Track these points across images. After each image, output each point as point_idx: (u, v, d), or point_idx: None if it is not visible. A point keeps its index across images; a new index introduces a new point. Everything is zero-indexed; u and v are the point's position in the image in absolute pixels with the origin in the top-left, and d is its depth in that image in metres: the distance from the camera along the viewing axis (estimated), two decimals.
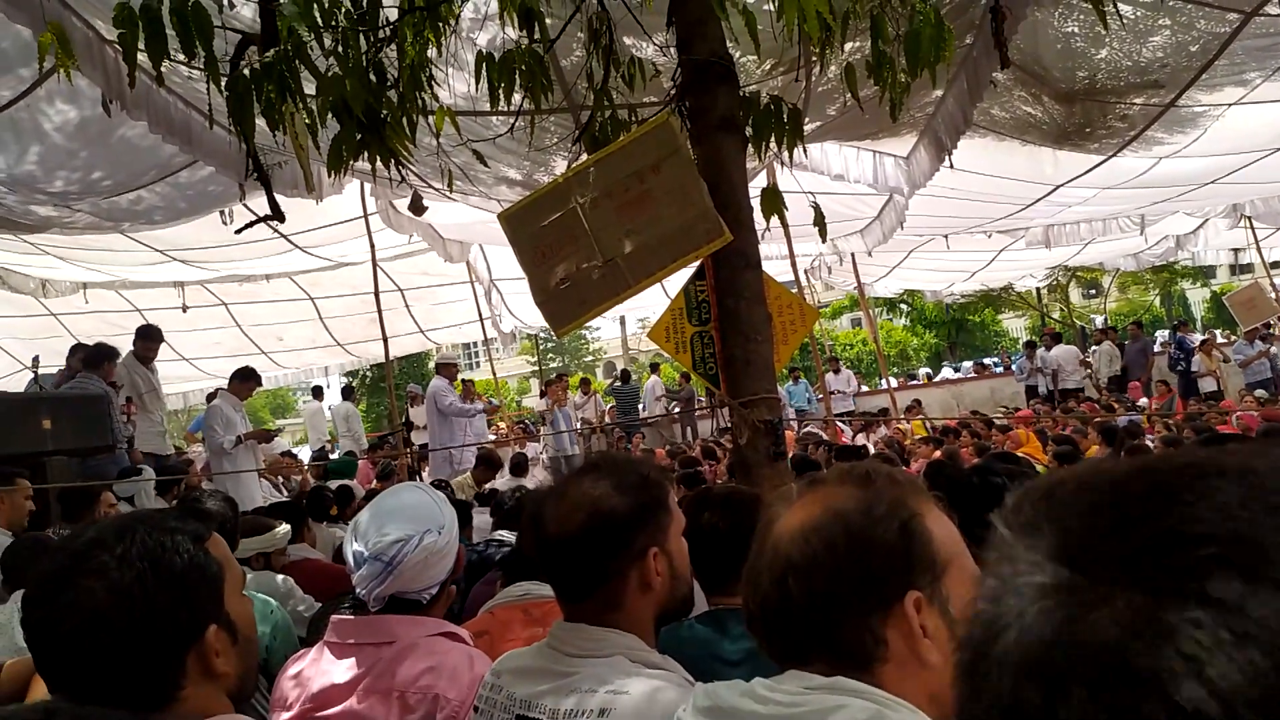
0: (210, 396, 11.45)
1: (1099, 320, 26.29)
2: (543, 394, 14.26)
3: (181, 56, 2.40)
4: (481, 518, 5.62)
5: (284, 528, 3.83)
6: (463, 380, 11.13)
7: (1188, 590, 0.39)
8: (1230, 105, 5.66)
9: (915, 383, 21.76)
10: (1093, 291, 35.54)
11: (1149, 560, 0.40)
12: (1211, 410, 10.16)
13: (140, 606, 1.10)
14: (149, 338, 7.50)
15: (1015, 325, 36.89)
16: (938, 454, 8.47)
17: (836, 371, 15.30)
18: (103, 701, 1.07)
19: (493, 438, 12.10)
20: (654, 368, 16.24)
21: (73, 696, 1.08)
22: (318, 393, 14.53)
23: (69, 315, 10.55)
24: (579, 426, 12.86)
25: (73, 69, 2.68)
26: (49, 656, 1.10)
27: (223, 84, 2.57)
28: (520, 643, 2.12)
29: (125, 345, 7.50)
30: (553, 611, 2.53)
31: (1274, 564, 0.39)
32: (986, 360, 26.93)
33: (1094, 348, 15.91)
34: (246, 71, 2.60)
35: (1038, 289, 24.85)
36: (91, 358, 6.75)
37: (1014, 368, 16.16)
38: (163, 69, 2.46)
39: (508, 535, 4.02)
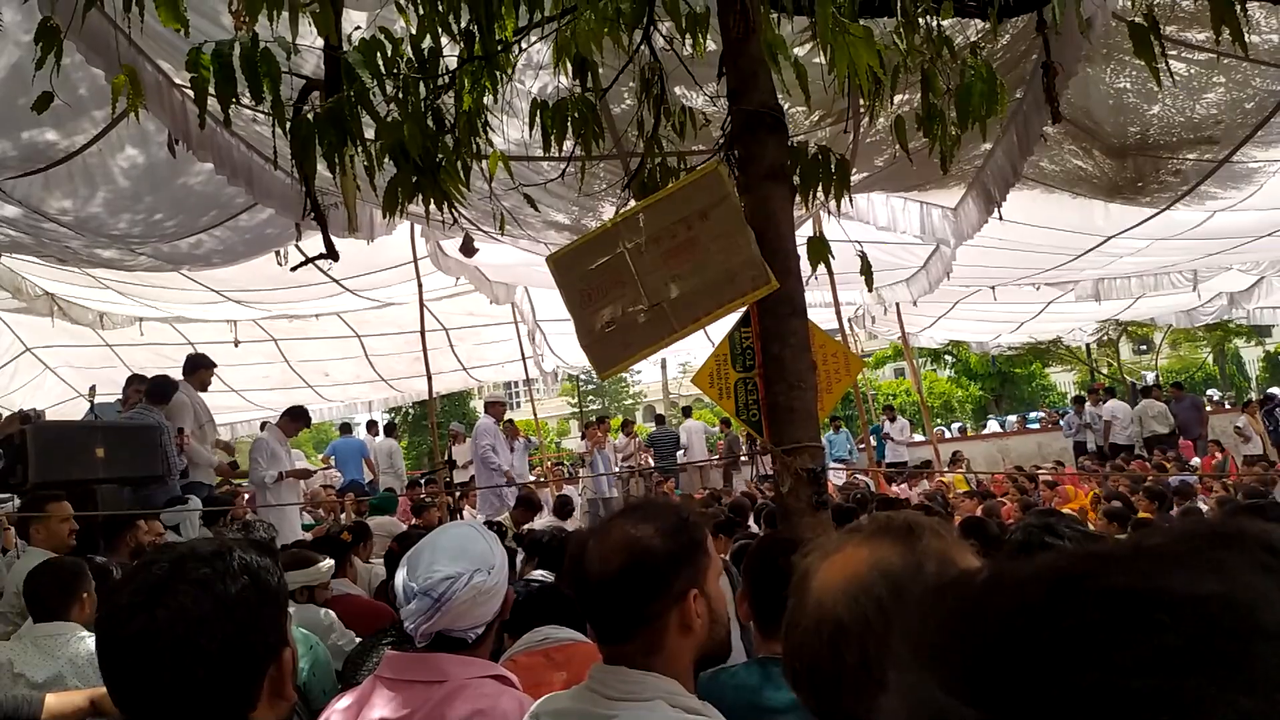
0: (263, 426, 11.77)
1: (1150, 376, 25.78)
2: (583, 436, 14.29)
3: (248, 100, 2.49)
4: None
5: (328, 562, 3.86)
6: (509, 421, 11.24)
7: None
8: None
9: (950, 436, 21.49)
10: (1144, 347, 34.88)
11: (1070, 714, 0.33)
12: (1271, 473, 9.89)
13: (244, 618, 1.11)
14: (208, 365, 7.60)
15: (1063, 379, 36.24)
16: (981, 509, 8.34)
17: (892, 420, 15.22)
18: None
19: (533, 478, 12.14)
20: (686, 412, 16.18)
21: (143, 716, 1.07)
22: (371, 427, 14.63)
23: (124, 347, 10.84)
24: (619, 469, 12.84)
25: (141, 109, 2.80)
26: (135, 672, 1.08)
27: (286, 127, 2.67)
28: (549, 688, 2.12)
29: (177, 376, 7.66)
30: (575, 654, 2.53)
31: None
32: (1032, 415, 26.48)
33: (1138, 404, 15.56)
34: (310, 116, 2.69)
35: (1087, 344, 24.46)
36: (158, 391, 6.86)
37: (1062, 423, 15.86)
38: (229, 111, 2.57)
39: (544, 575, 4.00)
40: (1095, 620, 0.35)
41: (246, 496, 8.20)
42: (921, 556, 1.06)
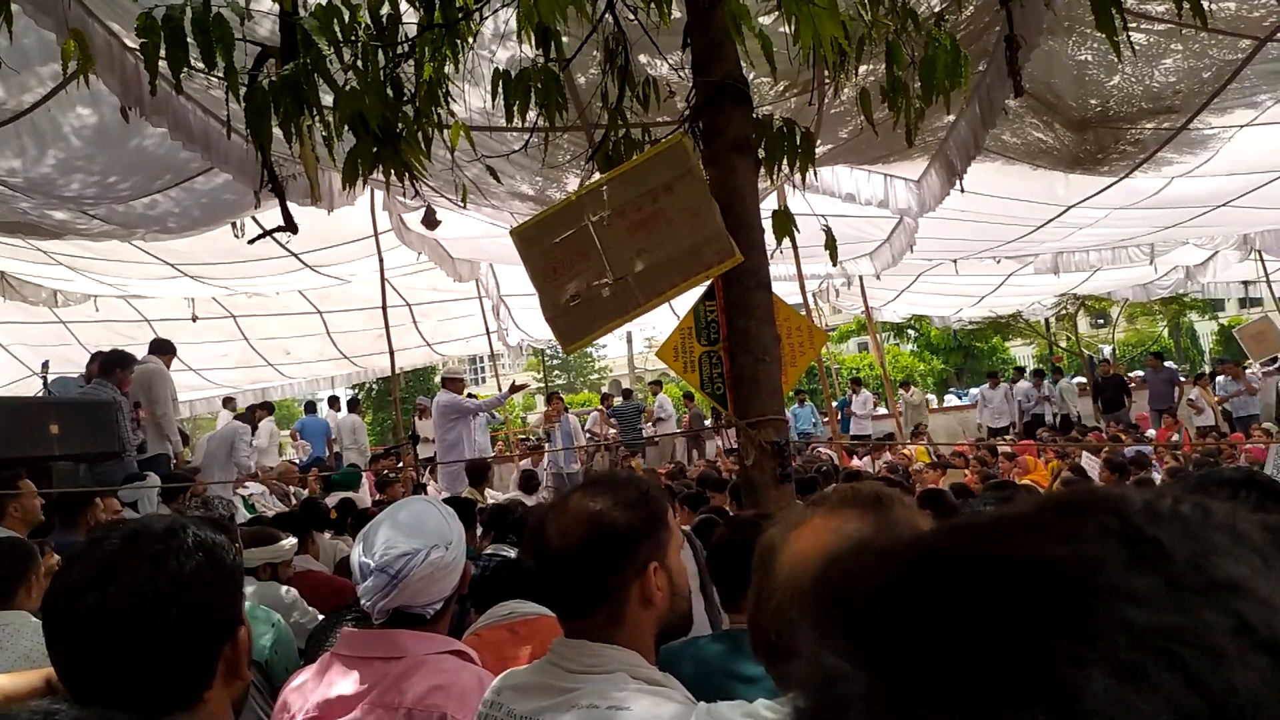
0: (226, 401, 11.81)
1: (1106, 350, 26.18)
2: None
3: (201, 66, 2.42)
4: None
5: (290, 540, 3.82)
6: (468, 394, 11.15)
7: None
8: (1241, 127, 5.68)
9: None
10: (1100, 321, 35.40)
11: (950, 679, 0.35)
12: (1221, 443, 10.13)
13: (199, 596, 1.09)
14: (172, 351, 7.78)
15: (1023, 353, 36.72)
16: (943, 479, 8.46)
17: (857, 393, 15.40)
18: (126, 700, 1.03)
19: (494, 453, 12.10)
20: (657, 385, 16.21)
21: (93, 696, 1.04)
22: (334, 403, 14.62)
23: (78, 324, 10.61)
24: (588, 441, 12.84)
25: (92, 73, 2.71)
26: (87, 650, 1.05)
27: (241, 95, 2.60)
28: (514, 662, 2.11)
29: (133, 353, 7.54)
30: (539, 628, 2.53)
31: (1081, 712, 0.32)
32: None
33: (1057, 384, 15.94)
34: (265, 84, 2.62)
35: (1046, 318, 24.78)
36: (106, 364, 6.73)
37: (1019, 396, 16.08)
38: (181, 77, 2.49)
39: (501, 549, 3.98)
40: (953, 586, 0.38)
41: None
42: (893, 525, 1.06)
